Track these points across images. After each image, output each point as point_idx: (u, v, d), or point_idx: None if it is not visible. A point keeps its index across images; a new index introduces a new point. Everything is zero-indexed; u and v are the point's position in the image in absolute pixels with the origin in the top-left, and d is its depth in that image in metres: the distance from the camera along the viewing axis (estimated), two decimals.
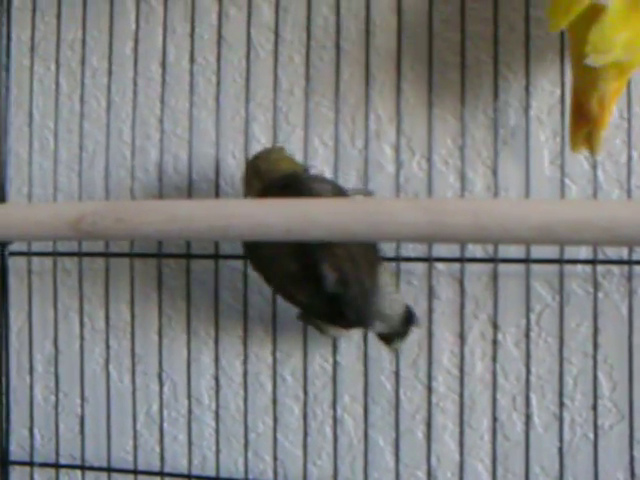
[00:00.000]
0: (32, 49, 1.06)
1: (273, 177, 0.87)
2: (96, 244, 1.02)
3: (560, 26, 0.80)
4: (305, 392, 0.99)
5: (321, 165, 0.98)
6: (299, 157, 0.98)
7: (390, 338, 0.91)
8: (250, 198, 0.88)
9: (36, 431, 1.08)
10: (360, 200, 0.69)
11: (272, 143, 0.99)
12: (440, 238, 0.69)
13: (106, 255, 1.02)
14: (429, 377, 0.96)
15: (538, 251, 0.92)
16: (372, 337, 0.97)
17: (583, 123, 0.86)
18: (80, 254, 1.03)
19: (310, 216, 0.65)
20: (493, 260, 0.93)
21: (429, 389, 0.96)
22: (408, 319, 0.90)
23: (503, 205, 0.65)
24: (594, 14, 0.77)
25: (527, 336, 0.93)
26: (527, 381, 0.93)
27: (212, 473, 1.02)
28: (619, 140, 0.92)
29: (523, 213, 0.62)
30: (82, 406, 1.05)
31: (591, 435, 0.93)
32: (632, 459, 0.91)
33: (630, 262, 0.91)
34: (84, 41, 1.04)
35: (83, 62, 1.04)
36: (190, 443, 1.02)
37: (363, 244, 0.83)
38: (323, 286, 0.82)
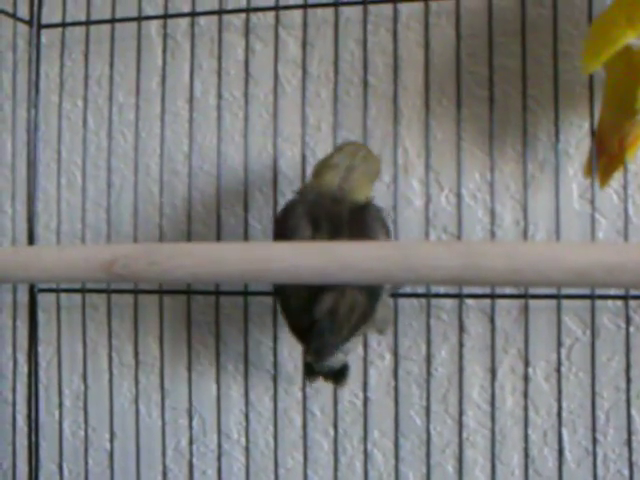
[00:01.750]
0: (60, 85, 1.06)
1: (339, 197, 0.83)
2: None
3: (592, 69, 0.80)
4: (335, 427, 0.99)
5: None
6: None
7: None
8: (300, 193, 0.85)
9: (65, 466, 1.08)
10: (395, 244, 0.68)
11: (300, 179, 0.99)
12: (474, 282, 0.69)
13: (135, 292, 1.02)
14: (459, 412, 0.96)
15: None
16: (402, 372, 0.97)
17: (601, 156, 0.88)
18: (108, 291, 1.03)
19: (344, 260, 0.65)
20: (524, 296, 0.93)
21: (459, 424, 0.96)
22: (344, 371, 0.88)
23: (537, 248, 0.64)
24: (629, 55, 0.76)
25: (558, 371, 0.93)
26: (558, 416, 0.93)
27: None
28: None
29: (558, 256, 0.62)
30: (111, 441, 1.05)
31: (625, 471, 0.92)
32: None
33: None
34: (111, 77, 1.04)
35: (110, 98, 1.04)
36: (219, 478, 1.01)
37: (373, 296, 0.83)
38: (313, 310, 0.80)
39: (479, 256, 0.63)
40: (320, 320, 0.79)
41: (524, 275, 0.63)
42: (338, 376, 0.87)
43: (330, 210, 0.81)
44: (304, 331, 0.81)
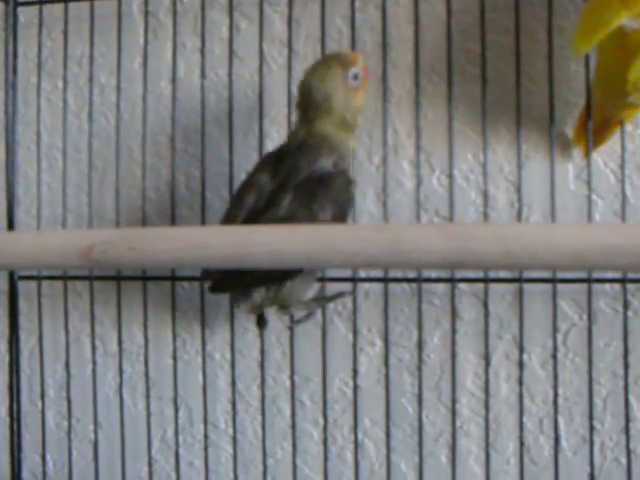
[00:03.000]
0: (39, 66, 1.03)
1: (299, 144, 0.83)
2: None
3: (584, 51, 0.79)
4: (325, 416, 0.96)
5: None
6: None
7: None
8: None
9: (48, 457, 1.06)
10: (383, 227, 0.66)
11: None
12: (466, 265, 0.66)
13: (118, 279, 0.99)
14: (452, 400, 0.93)
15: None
16: (394, 360, 0.95)
17: (586, 130, 0.88)
18: (91, 278, 1.00)
19: (332, 244, 0.62)
20: (518, 280, 0.90)
21: (453, 412, 0.93)
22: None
23: (531, 230, 0.62)
24: (621, 37, 0.74)
25: (554, 357, 0.90)
26: (554, 403, 0.90)
27: None
28: None
29: (553, 239, 0.59)
30: (95, 432, 1.02)
31: (623, 459, 0.90)
32: None
33: None
34: (92, 57, 1.01)
35: (91, 79, 1.01)
36: (207, 469, 0.99)
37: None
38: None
39: (471, 239, 0.61)
40: None
41: (518, 258, 0.60)
42: (259, 322, 0.92)
43: (294, 165, 0.81)
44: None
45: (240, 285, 0.82)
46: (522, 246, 0.60)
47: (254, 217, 0.80)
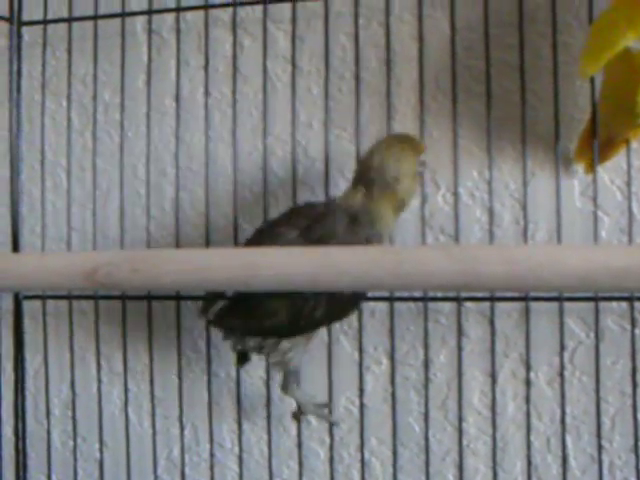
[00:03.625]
0: (43, 85, 1.03)
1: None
2: None
3: (591, 72, 0.79)
4: (331, 435, 0.96)
5: None
6: (319, 192, 0.95)
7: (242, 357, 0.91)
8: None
9: (54, 477, 1.05)
10: (388, 249, 0.65)
11: (292, 178, 0.95)
12: (472, 288, 0.66)
13: (123, 298, 0.99)
14: (459, 418, 0.93)
15: None
16: (400, 378, 0.94)
17: (590, 145, 0.87)
18: (96, 297, 1.00)
19: (337, 266, 0.62)
20: (525, 299, 0.89)
21: (459, 431, 0.93)
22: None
23: (537, 252, 0.61)
24: (628, 57, 0.74)
25: (561, 375, 0.90)
26: (562, 422, 0.90)
27: None
28: None
29: (559, 261, 0.59)
30: (101, 450, 1.02)
31: (633, 479, 0.89)
32: None
33: None
34: (95, 75, 1.01)
35: (95, 97, 1.01)
36: None
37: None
38: None
39: (477, 262, 0.60)
40: (240, 295, 0.81)
41: (524, 281, 0.60)
42: (240, 357, 0.91)
43: (331, 232, 0.80)
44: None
45: (243, 328, 0.82)
46: (528, 268, 0.59)
47: None
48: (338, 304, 0.81)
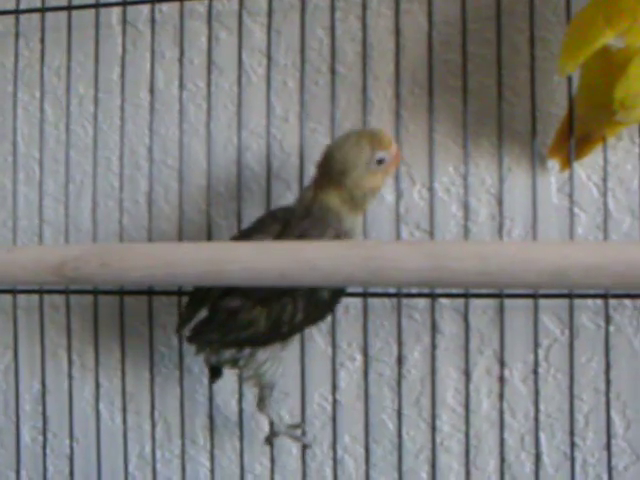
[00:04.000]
0: (16, 76, 1.02)
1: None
2: None
3: (569, 71, 0.79)
4: (304, 432, 0.95)
5: None
6: (294, 187, 0.94)
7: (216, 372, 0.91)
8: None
9: (23, 473, 1.04)
10: (359, 244, 0.65)
11: (266, 172, 0.94)
12: (443, 284, 0.65)
13: (94, 293, 0.98)
14: (433, 415, 0.92)
15: None
16: (374, 375, 0.93)
17: (566, 142, 0.87)
18: (67, 292, 0.98)
19: (307, 261, 0.61)
20: (499, 295, 0.89)
21: (433, 428, 0.92)
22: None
23: (510, 249, 0.61)
24: (606, 55, 0.74)
25: (535, 372, 0.89)
26: (536, 419, 0.89)
27: None
28: (630, 166, 0.88)
29: (532, 257, 0.58)
30: (71, 447, 1.01)
31: (605, 476, 0.89)
32: None
33: None
34: (69, 67, 1.00)
35: (69, 89, 1.00)
36: None
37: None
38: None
39: (449, 257, 0.59)
40: (213, 308, 0.80)
41: (496, 277, 0.59)
42: (213, 373, 0.90)
43: (304, 234, 0.79)
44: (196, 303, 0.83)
45: (221, 341, 0.82)
46: (501, 265, 0.59)
47: None
48: (316, 307, 0.80)
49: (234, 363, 0.84)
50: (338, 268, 0.60)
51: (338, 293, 0.81)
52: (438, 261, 0.59)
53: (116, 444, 1.00)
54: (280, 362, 0.85)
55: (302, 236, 0.78)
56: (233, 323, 0.79)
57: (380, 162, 0.78)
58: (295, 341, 0.87)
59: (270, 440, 0.91)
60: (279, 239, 0.79)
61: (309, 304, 0.79)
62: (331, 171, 0.79)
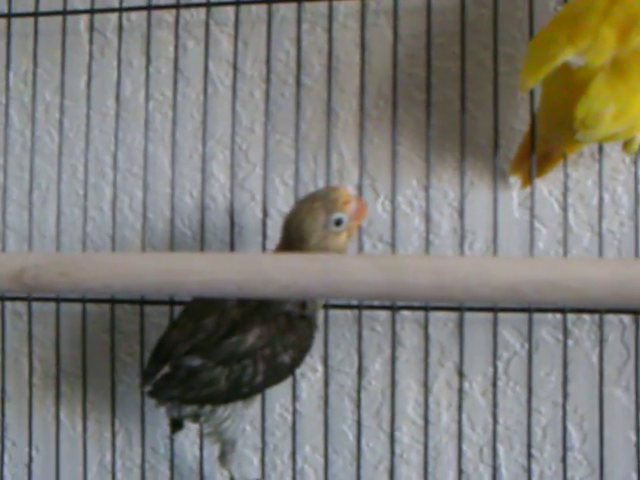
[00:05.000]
0: None
1: None
2: None
3: (530, 86, 0.80)
4: (264, 442, 0.95)
5: (282, 206, 0.94)
6: (258, 198, 0.94)
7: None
8: None
9: None
10: (315, 257, 0.65)
11: (231, 182, 0.95)
12: (399, 297, 0.66)
13: (57, 300, 0.97)
14: (392, 427, 0.92)
15: None
16: (335, 385, 0.94)
17: (527, 159, 0.88)
18: (29, 299, 0.98)
19: (264, 274, 0.61)
20: (459, 309, 0.89)
21: (392, 439, 0.93)
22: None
23: (466, 263, 0.61)
24: (567, 73, 0.75)
25: (494, 385, 0.90)
26: (494, 432, 0.90)
27: None
28: (590, 181, 0.89)
29: (487, 272, 0.59)
30: (30, 455, 1.00)
31: None
32: None
33: (601, 310, 0.87)
34: (35, 74, 0.99)
35: (35, 96, 1.00)
36: None
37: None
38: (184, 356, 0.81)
39: (403, 272, 0.60)
40: (175, 365, 0.80)
41: (451, 291, 0.59)
42: (174, 425, 0.90)
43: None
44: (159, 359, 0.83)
45: (181, 398, 0.82)
46: (456, 279, 0.59)
47: (215, 342, 0.80)
48: (276, 370, 0.81)
49: (195, 418, 0.85)
50: (295, 281, 0.60)
51: (300, 357, 0.83)
52: (394, 275, 0.59)
53: (76, 452, 1.00)
54: (242, 419, 0.86)
55: (263, 301, 0.80)
56: (194, 381, 0.80)
57: (338, 223, 0.79)
58: (257, 401, 0.88)
59: None
60: (242, 301, 0.80)
61: (270, 367, 0.80)
62: (290, 238, 0.80)
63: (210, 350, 0.79)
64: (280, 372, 0.82)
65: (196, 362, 0.79)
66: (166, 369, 0.81)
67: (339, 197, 0.79)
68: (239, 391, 0.81)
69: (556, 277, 0.57)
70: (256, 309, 0.80)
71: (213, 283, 0.62)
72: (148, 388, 0.82)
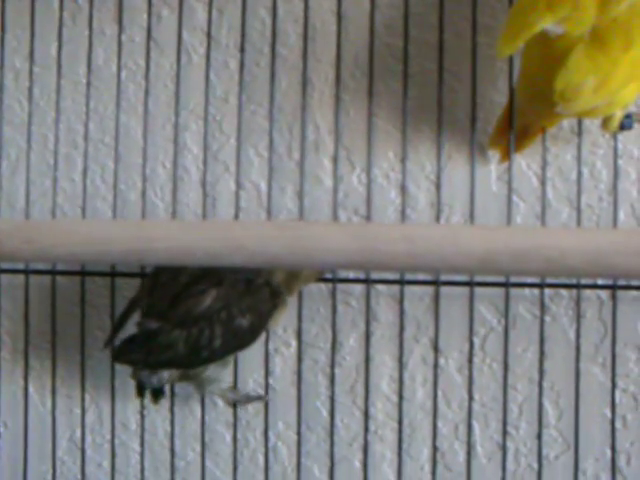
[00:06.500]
0: None
1: None
2: None
3: (506, 53, 0.78)
4: (236, 418, 0.93)
5: (256, 178, 0.93)
6: (232, 169, 0.93)
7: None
8: None
9: None
10: (287, 224, 0.63)
11: (204, 153, 0.93)
12: (372, 266, 0.64)
13: (26, 272, 0.95)
14: (367, 403, 0.91)
15: None
16: (309, 361, 0.92)
17: (506, 133, 0.86)
18: None
19: (233, 241, 0.59)
20: (435, 283, 0.88)
21: (367, 416, 0.91)
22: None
23: (439, 232, 0.60)
24: (545, 42, 0.74)
25: (470, 361, 0.89)
26: (470, 409, 0.89)
27: None
28: (570, 156, 0.88)
29: (462, 241, 0.57)
30: None
31: (535, 465, 0.88)
32: None
33: (579, 286, 0.86)
34: (4, 40, 0.97)
35: (3, 63, 0.97)
36: (114, 470, 0.96)
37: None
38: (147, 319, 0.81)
39: (377, 239, 0.58)
40: (147, 330, 0.81)
41: (424, 260, 0.58)
42: (156, 394, 0.90)
43: None
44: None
45: (146, 363, 0.83)
46: (429, 247, 0.58)
47: (170, 304, 0.81)
48: (235, 335, 0.81)
49: (178, 379, 0.87)
50: (265, 248, 0.59)
51: (259, 322, 0.82)
52: (366, 243, 0.58)
53: (45, 428, 0.98)
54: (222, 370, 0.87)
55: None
56: (153, 345, 0.80)
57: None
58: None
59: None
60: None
61: (227, 330, 0.80)
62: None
63: (166, 312, 0.80)
64: (239, 337, 0.82)
65: (153, 325, 0.80)
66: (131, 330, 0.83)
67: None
68: (199, 355, 0.81)
69: (531, 245, 0.56)
70: (211, 269, 0.79)
71: (181, 250, 0.60)
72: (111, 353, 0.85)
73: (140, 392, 0.90)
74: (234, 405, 0.92)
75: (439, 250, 0.57)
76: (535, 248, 0.56)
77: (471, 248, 0.57)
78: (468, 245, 0.57)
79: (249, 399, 0.92)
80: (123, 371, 0.95)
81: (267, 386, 0.92)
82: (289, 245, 0.59)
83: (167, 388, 0.91)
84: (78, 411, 0.98)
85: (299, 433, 0.92)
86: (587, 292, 0.87)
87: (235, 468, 0.93)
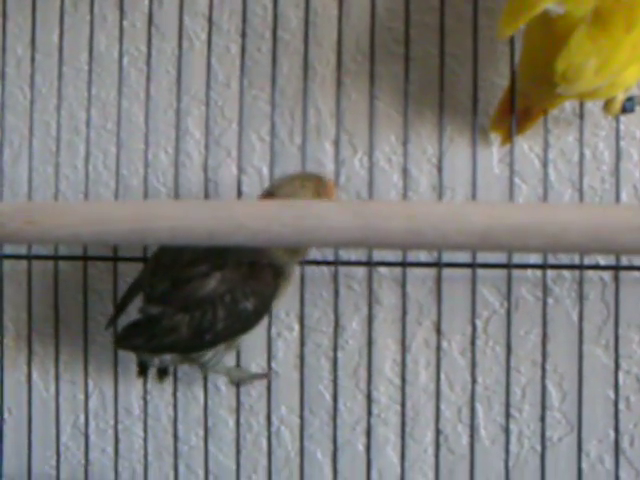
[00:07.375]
0: None
1: None
2: (18, 246, 0.95)
3: (507, 34, 0.77)
4: (239, 402, 0.94)
5: (258, 162, 0.93)
6: (234, 154, 0.93)
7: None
8: None
9: None
10: (288, 203, 0.63)
11: (206, 138, 0.93)
12: (373, 243, 0.64)
13: (29, 258, 0.96)
14: (370, 387, 0.91)
15: (485, 255, 0.87)
16: (311, 345, 0.92)
17: (507, 115, 0.86)
18: (1, 257, 0.96)
19: (236, 220, 0.59)
20: (437, 264, 0.88)
21: (370, 399, 0.91)
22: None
23: (440, 208, 0.60)
24: (547, 23, 0.73)
25: (473, 344, 0.89)
26: (473, 391, 0.89)
27: None
28: (572, 138, 0.88)
29: (463, 217, 0.57)
30: (2, 416, 0.99)
31: (539, 447, 0.88)
32: (580, 472, 0.87)
33: (581, 267, 0.86)
34: (4, 27, 0.97)
35: (5, 50, 0.97)
36: (117, 455, 0.96)
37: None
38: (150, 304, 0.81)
39: (378, 217, 0.58)
40: (150, 315, 0.81)
41: (424, 237, 0.58)
42: (160, 374, 0.92)
43: None
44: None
45: (149, 347, 0.83)
46: (430, 224, 0.58)
47: (176, 283, 0.80)
48: (239, 318, 0.81)
49: (181, 361, 0.87)
50: (267, 227, 0.59)
51: (263, 305, 0.82)
52: (366, 220, 0.58)
53: (49, 414, 0.98)
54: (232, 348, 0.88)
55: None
56: (155, 329, 0.80)
57: None
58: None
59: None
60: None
61: (231, 314, 0.80)
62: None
63: (169, 295, 0.79)
64: (244, 320, 0.81)
65: (156, 310, 0.80)
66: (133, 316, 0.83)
67: (327, 184, 0.81)
68: (202, 338, 0.80)
69: (533, 222, 0.56)
70: (224, 250, 0.78)
71: (183, 229, 0.60)
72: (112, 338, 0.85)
73: (142, 372, 0.90)
74: (237, 385, 0.92)
75: (440, 227, 0.57)
76: (536, 224, 0.56)
77: (472, 224, 0.57)
78: (469, 221, 0.57)
79: (254, 377, 0.92)
80: (126, 357, 0.95)
81: (270, 370, 0.92)
82: (290, 224, 0.59)
83: (170, 370, 0.91)
84: (81, 397, 0.98)
85: (302, 417, 0.92)
86: (590, 273, 0.87)
87: (238, 452, 0.93)
